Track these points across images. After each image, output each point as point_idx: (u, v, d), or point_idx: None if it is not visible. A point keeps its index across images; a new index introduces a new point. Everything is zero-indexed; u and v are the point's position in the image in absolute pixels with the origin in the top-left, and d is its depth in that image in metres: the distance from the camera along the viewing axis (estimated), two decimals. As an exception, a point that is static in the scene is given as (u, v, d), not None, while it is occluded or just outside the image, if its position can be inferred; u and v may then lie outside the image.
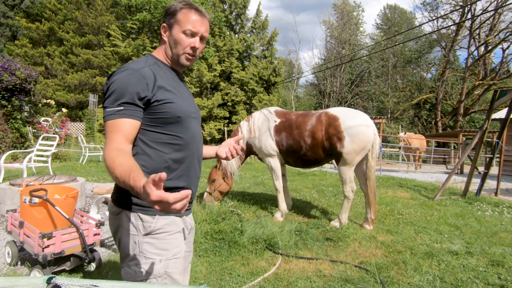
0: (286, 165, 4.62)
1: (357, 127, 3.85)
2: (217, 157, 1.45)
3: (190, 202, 1.29)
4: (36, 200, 2.42)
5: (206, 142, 17.94)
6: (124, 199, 1.15)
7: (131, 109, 1.08)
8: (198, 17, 1.21)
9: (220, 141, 19.24)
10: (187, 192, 0.80)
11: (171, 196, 0.77)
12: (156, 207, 0.79)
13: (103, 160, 1.11)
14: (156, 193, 0.77)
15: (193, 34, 1.20)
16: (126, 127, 1.07)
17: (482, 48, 23.91)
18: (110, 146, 1.03)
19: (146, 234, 1.13)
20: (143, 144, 1.15)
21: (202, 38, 1.24)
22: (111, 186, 5.97)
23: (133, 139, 1.11)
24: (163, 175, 0.78)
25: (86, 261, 2.55)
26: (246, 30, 24.95)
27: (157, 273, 1.12)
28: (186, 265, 1.33)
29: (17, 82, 8.58)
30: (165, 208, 0.79)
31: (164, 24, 1.23)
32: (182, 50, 1.21)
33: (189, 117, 1.21)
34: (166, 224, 1.16)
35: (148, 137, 1.15)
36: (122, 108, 1.07)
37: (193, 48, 1.22)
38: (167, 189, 0.98)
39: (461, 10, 22.83)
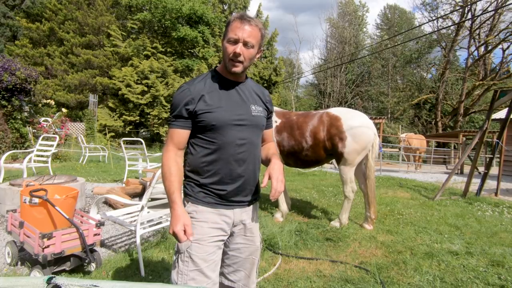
0: (285, 166, 4.62)
1: (359, 127, 3.85)
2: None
3: (241, 201, 1.44)
4: (36, 200, 2.42)
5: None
6: (182, 188, 1.45)
7: (180, 121, 1.35)
8: (240, 24, 1.29)
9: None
10: (187, 244, 1.30)
11: (182, 241, 1.27)
12: (170, 231, 1.28)
13: (161, 161, 1.38)
14: (178, 229, 1.26)
15: (235, 41, 1.30)
16: (176, 135, 1.37)
17: (482, 48, 23.91)
18: (165, 153, 1.36)
19: None
20: (190, 145, 1.42)
21: (246, 44, 1.30)
22: (111, 186, 5.97)
23: (183, 143, 1.39)
24: (191, 238, 1.28)
25: (86, 261, 2.55)
26: (246, 30, 24.89)
27: (180, 249, 1.34)
28: (216, 255, 1.40)
29: (17, 82, 8.58)
30: (174, 236, 1.28)
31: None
32: (227, 57, 1.33)
33: (227, 125, 1.35)
34: (194, 211, 1.38)
35: (193, 140, 1.40)
36: (174, 120, 1.36)
37: (234, 54, 1.30)
38: (202, 185, 1.39)
39: (461, 10, 22.82)
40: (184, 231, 1.25)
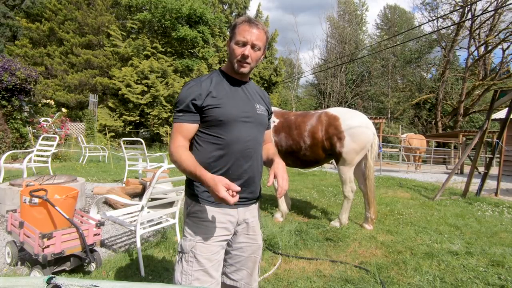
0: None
1: (357, 127, 3.85)
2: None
3: (246, 199, 1.45)
4: (36, 200, 2.42)
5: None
6: (186, 187, 1.47)
7: (188, 115, 1.36)
8: (248, 27, 1.36)
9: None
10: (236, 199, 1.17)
11: (231, 202, 1.15)
12: (216, 199, 1.18)
13: (169, 154, 1.35)
14: (224, 194, 1.15)
15: (244, 44, 1.36)
16: (184, 130, 1.37)
17: (482, 48, 23.91)
18: (174, 144, 1.36)
19: (187, 215, 1.43)
20: (195, 141, 1.42)
21: (253, 46, 1.37)
22: (111, 186, 5.97)
23: (191, 137, 1.40)
24: (237, 189, 1.17)
25: (86, 261, 2.55)
26: (246, 30, 24.93)
27: (185, 249, 1.36)
28: (220, 255, 1.41)
29: (17, 82, 8.58)
30: (222, 202, 1.17)
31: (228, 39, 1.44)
32: (235, 59, 1.38)
33: (235, 121, 1.38)
34: (199, 211, 1.39)
35: (199, 136, 1.41)
36: (181, 114, 1.36)
37: (243, 56, 1.36)
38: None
39: (461, 10, 22.82)
40: (228, 190, 1.17)
